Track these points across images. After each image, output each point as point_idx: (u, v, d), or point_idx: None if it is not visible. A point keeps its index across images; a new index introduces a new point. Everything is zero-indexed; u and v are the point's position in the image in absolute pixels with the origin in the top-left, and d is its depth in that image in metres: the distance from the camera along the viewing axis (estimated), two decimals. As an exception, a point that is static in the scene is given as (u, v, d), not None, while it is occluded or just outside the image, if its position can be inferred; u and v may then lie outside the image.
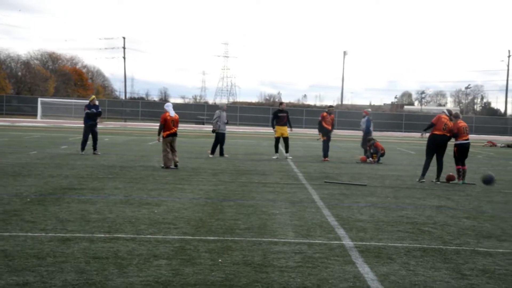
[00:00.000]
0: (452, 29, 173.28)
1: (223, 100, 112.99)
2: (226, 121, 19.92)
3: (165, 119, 15.55)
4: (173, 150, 15.36)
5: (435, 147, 14.29)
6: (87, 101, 20.03)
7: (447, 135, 14.32)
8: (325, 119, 20.05)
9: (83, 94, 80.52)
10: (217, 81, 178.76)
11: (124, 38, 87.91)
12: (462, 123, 14.53)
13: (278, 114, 20.05)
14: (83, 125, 19.42)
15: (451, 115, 14.59)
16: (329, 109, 20.68)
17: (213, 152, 19.69)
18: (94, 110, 19.30)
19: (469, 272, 5.97)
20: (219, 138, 19.68)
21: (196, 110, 72.63)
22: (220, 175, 14.01)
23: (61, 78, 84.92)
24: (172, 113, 15.54)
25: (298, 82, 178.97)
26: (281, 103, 20.90)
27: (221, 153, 19.73)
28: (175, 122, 15.56)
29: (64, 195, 10.07)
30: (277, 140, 20.13)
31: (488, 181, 9.56)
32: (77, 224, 7.59)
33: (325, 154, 19.77)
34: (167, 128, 15.45)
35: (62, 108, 64.18)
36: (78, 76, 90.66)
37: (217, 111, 19.97)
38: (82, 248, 6.34)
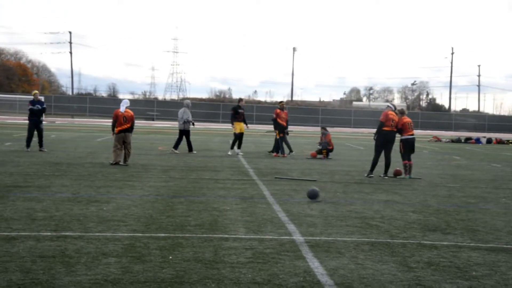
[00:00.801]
0: (398, 26, 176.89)
1: (173, 96, 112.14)
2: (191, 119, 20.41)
3: (116, 115, 15.44)
4: (125, 146, 15.19)
5: (384, 143, 14.57)
6: (31, 97, 19.53)
7: (394, 131, 14.63)
8: (279, 116, 20.16)
9: (28, 89, 78.29)
10: (166, 77, 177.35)
11: (70, 32, 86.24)
12: (406, 119, 14.84)
13: (239, 110, 20.09)
14: (27, 121, 18.93)
15: (396, 110, 14.88)
16: (280, 104, 20.75)
17: (190, 149, 19.88)
18: (38, 106, 18.83)
19: (415, 264, 6.12)
20: (186, 135, 20.03)
21: (146, 106, 71.80)
22: (170, 172, 13.91)
23: (5, 73, 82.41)
24: (122, 109, 15.37)
25: (249, 78, 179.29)
26: (240, 100, 21.00)
27: (190, 149, 19.90)
28: (128, 118, 15.35)
29: (9, 193, 9.80)
30: (237, 136, 20.09)
31: (312, 196, 9.84)
32: (23, 223, 7.40)
33: (277, 150, 19.97)
34: (118, 124, 15.32)
35: (6, 104, 62.30)
36: (22, 71, 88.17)
37: (186, 109, 20.35)
38: (28, 247, 6.18)
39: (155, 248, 6.34)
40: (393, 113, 14.65)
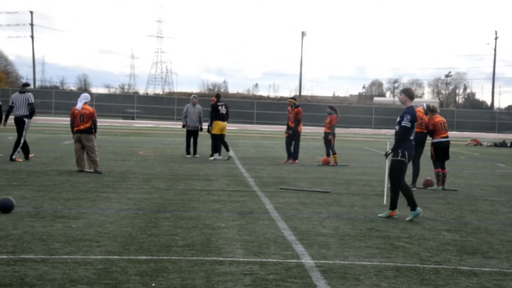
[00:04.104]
0: (430, 5, 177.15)
1: (157, 90, 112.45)
2: (194, 117, 21.09)
3: (72, 113, 15.63)
4: (86, 152, 15.26)
5: None
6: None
7: (424, 132, 14.63)
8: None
9: (-19, 81, 78.52)
10: (149, 67, 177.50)
11: (31, 12, 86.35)
12: (439, 118, 14.85)
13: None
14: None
15: (428, 109, 14.88)
16: (290, 101, 20.88)
17: (187, 152, 21.08)
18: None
19: (450, 294, 6.11)
20: (189, 136, 21.07)
21: (124, 102, 71.91)
22: (153, 181, 13.93)
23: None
24: (79, 106, 15.47)
25: (249, 68, 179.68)
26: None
27: (194, 152, 21.12)
28: (84, 117, 15.40)
29: (-43, 206, 9.79)
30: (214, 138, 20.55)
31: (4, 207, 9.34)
32: (-26, 243, 7.40)
33: (295, 156, 20.38)
34: (76, 125, 15.45)
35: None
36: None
37: (186, 105, 21.71)
38: (-20, 272, 6.18)
39: (135, 273, 6.33)
40: (422, 111, 14.67)
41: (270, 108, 71.56)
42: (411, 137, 10.31)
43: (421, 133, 14.52)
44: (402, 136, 10.27)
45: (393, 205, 10.37)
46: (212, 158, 20.20)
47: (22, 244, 7.42)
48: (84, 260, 6.80)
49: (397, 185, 10.27)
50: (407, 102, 10.51)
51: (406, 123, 10.22)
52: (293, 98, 21.40)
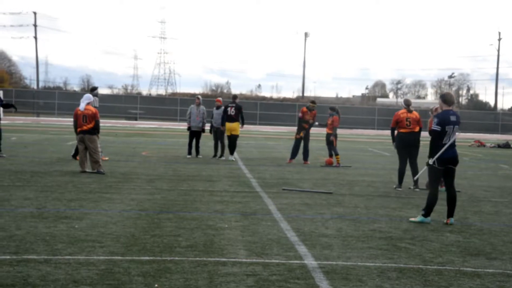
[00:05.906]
0: (434, 7, 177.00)
1: (160, 91, 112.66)
2: (198, 117, 21.25)
3: (75, 114, 15.72)
4: (90, 153, 15.28)
5: (405, 148, 14.54)
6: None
7: (415, 131, 14.59)
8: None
9: (-16, 82, 78.62)
10: (152, 68, 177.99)
11: (35, 13, 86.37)
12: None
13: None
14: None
15: (409, 106, 14.84)
16: (310, 105, 20.98)
17: (189, 152, 21.19)
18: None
19: (453, 295, 6.11)
20: (191, 136, 21.28)
21: (127, 103, 71.87)
22: (156, 182, 13.94)
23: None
24: (82, 106, 15.52)
25: (252, 69, 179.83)
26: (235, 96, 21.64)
27: (196, 153, 21.19)
28: (87, 118, 15.44)
29: (-40, 207, 9.82)
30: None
31: None
32: (-23, 243, 7.41)
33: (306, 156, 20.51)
34: (78, 125, 15.51)
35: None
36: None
37: (190, 106, 21.92)
38: (-17, 272, 6.19)
39: (138, 274, 6.34)
40: (404, 110, 14.66)
41: (273, 109, 71.54)
42: (447, 142, 10.24)
43: (411, 133, 14.45)
44: (431, 140, 10.29)
45: (449, 213, 10.30)
46: (231, 158, 20.28)
47: (25, 245, 7.43)
48: (87, 260, 6.81)
49: (430, 189, 10.31)
50: (443, 107, 10.53)
51: (434, 127, 10.23)
52: (314, 101, 21.44)
